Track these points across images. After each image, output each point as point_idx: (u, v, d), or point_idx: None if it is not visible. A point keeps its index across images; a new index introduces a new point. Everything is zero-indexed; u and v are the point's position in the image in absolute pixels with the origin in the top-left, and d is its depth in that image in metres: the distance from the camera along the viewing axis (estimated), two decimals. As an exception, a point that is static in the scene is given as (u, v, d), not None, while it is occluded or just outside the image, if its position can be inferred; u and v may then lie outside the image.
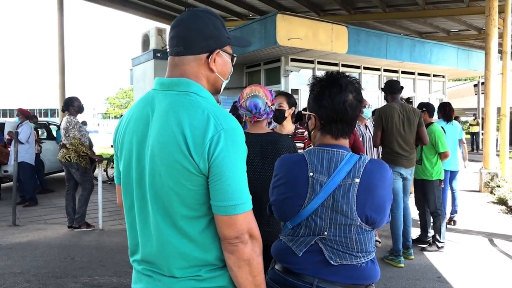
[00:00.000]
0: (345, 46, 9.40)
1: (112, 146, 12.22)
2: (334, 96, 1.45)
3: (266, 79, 10.53)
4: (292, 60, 9.88)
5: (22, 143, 7.21)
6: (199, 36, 1.25)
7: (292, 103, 3.30)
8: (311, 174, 1.43)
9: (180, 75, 1.26)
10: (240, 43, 1.39)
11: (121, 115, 11.92)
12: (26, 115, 7.78)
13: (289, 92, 9.95)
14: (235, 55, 1.36)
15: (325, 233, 1.41)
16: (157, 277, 1.23)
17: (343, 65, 10.74)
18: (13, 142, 7.26)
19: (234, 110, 5.35)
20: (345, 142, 1.51)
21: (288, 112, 3.30)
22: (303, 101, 10.54)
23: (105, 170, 10.44)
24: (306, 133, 4.00)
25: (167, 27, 11.88)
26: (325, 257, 1.40)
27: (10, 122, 8.94)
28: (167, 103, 1.20)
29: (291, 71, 9.85)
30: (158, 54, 10.88)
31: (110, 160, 10.73)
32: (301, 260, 1.42)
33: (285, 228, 1.51)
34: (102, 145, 19.33)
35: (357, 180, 1.39)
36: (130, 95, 55.03)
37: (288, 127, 3.34)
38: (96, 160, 5.88)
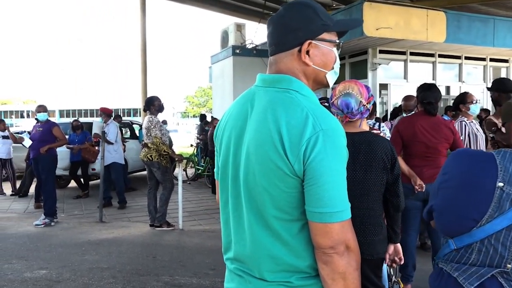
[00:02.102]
0: (443, 34, 8.85)
1: (191, 145, 12.88)
2: None
3: (352, 74, 10.30)
4: (381, 51, 9.56)
5: (111, 143, 7.80)
6: (285, 30, 1.24)
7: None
8: (501, 184, 1.20)
9: (275, 72, 1.26)
10: (346, 25, 1.32)
11: (200, 114, 12.49)
12: (108, 113, 8.18)
13: (377, 87, 9.64)
14: (338, 41, 1.29)
15: (509, 265, 1.22)
16: (248, 278, 1.26)
17: (440, 56, 10.12)
18: (100, 142, 7.96)
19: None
20: None
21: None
22: (393, 96, 10.11)
23: (185, 170, 10.98)
24: (382, 134, 3.86)
25: (247, 23, 12.17)
26: None
27: (97, 122, 9.81)
28: (266, 100, 1.21)
29: (380, 64, 9.53)
30: (237, 51, 11.17)
31: (189, 159, 11.26)
32: None
33: (445, 249, 1.31)
34: (181, 145, 20.38)
35: None
36: (209, 93, 57.18)
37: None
38: (176, 159, 6.21)
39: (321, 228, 1.11)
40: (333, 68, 1.30)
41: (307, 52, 1.23)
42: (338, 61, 1.31)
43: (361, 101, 2.27)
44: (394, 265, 2.35)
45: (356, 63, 10.18)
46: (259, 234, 1.21)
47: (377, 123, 4.63)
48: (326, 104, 3.22)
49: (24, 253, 4.88)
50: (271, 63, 1.29)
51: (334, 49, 1.29)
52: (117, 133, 7.93)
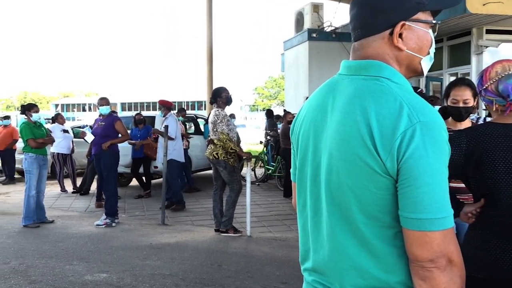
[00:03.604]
0: None
1: (260, 142, 13.00)
2: None
3: (450, 59, 9.85)
4: (488, 32, 9.00)
5: (172, 139, 8.09)
6: (374, 11, 1.22)
7: (477, 93, 3.00)
8: None
9: (361, 59, 1.25)
10: (444, 3, 1.29)
11: (267, 110, 12.51)
12: (168, 106, 8.36)
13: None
14: (434, 21, 1.26)
15: None
16: None
17: None
18: (159, 138, 8.28)
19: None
20: None
21: (474, 107, 3.06)
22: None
23: (253, 170, 11.13)
24: None
25: (325, 2, 12.02)
26: None
27: (159, 116, 10.23)
28: (352, 89, 1.20)
29: (487, 47, 8.98)
30: (314, 35, 11.09)
31: (258, 158, 11.38)
32: None
33: None
34: (249, 141, 20.68)
35: None
36: (280, 84, 57.51)
37: (465, 125, 3.09)
38: (244, 157, 6.29)
39: (419, 237, 1.07)
40: (428, 53, 1.27)
41: (400, 35, 1.21)
42: (434, 45, 1.28)
43: None
44: None
45: (456, 46, 9.74)
46: (342, 242, 1.19)
47: None
48: (424, 92, 3.07)
49: (85, 255, 5.23)
50: (356, 48, 1.28)
51: (430, 30, 1.26)
52: (176, 128, 8.03)
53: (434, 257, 1.07)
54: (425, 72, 1.30)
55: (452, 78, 9.29)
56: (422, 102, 1.13)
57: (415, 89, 3.67)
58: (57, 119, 10.20)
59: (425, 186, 1.06)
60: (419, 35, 1.23)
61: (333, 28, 11.33)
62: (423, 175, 1.06)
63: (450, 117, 3.20)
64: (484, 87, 2.11)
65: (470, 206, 2.00)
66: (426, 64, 1.28)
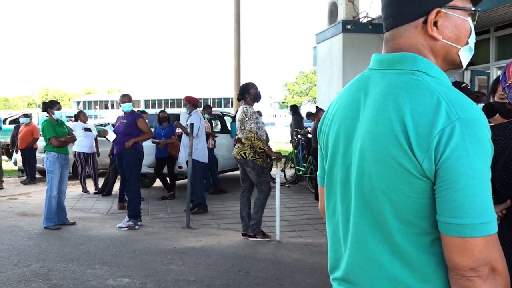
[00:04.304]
0: None
1: (290, 141, 12.96)
2: None
3: (498, 51, 9.61)
4: (541, 21, 8.75)
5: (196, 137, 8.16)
6: None
7: None
8: None
9: (394, 51, 1.24)
10: None
11: (291, 106, 12.41)
12: (194, 103, 8.32)
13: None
14: (474, 9, 1.24)
15: None
16: None
17: None
18: (183, 136, 8.35)
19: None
20: None
21: None
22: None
23: (283, 171, 11.12)
24: None
25: (361, -9, 11.89)
26: None
27: (185, 113, 10.33)
28: (385, 85, 1.19)
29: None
30: (349, 26, 10.98)
31: (288, 158, 11.36)
32: None
33: None
34: (278, 141, 20.69)
35: None
36: (312, 79, 57.24)
37: None
38: (274, 157, 6.29)
39: (460, 244, 1.05)
40: (467, 43, 1.25)
41: (435, 24, 1.19)
42: (473, 35, 1.26)
43: None
44: None
45: (504, 38, 9.50)
46: (375, 250, 1.18)
47: None
48: (469, 88, 3.01)
49: (107, 258, 5.33)
50: (387, 39, 1.27)
51: (469, 18, 1.23)
52: (199, 126, 7.99)
53: (475, 265, 1.05)
54: (464, 64, 1.28)
55: (500, 72, 9.09)
56: (462, 97, 1.11)
57: (459, 84, 3.61)
58: (79, 116, 10.41)
59: (465, 188, 1.04)
60: (456, 24, 1.21)
61: (369, 19, 11.19)
62: (463, 176, 1.04)
63: (497, 114, 3.12)
64: (508, 84, 2.07)
65: (496, 208, 1.97)
66: (465, 55, 1.25)
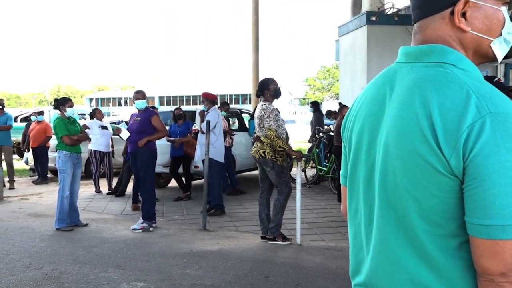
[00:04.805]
0: None
1: (309, 141, 12.91)
2: None
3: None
4: None
5: (203, 133, 8.11)
6: None
7: None
8: None
9: (421, 43, 1.23)
10: None
11: (311, 102, 12.32)
12: (212, 100, 8.30)
13: None
14: None
15: None
16: None
17: None
18: (199, 134, 8.34)
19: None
20: None
21: None
22: None
23: (304, 171, 11.08)
24: None
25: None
26: None
27: (201, 110, 10.36)
28: (412, 78, 1.18)
29: None
30: (373, 18, 10.88)
31: (309, 158, 11.32)
32: None
33: None
34: (299, 139, 20.64)
35: None
36: (334, 74, 57.01)
37: None
38: (294, 156, 6.26)
39: (489, 246, 1.04)
40: (501, 35, 1.21)
41: (463, 14, 1.17)
42: (509, 25, 1.22)
43: None
44: None
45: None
46: (399, 253, 1.17)
47: None
48: (502, 82, 2.94)
49: (120, 261, 5.37)
50: (415, 31, 1.26)
51: (503, 8, 1.20)
52: (216, 123, 7.93)
53: (506, 270, 1.03)
54: (500, 58, 1.25)
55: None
56: (494, 91, 1.09)
57: (491, 78, 3.54)
58: (95, 114, 10.47)
59: (496, 187, 1.01)
60: (487, 14, 1.18)
61: (395, 10, 11.08)
62: (494, 175, 1.02)
63: None
64: None
65: None
66: (499, 47, 1.22)
